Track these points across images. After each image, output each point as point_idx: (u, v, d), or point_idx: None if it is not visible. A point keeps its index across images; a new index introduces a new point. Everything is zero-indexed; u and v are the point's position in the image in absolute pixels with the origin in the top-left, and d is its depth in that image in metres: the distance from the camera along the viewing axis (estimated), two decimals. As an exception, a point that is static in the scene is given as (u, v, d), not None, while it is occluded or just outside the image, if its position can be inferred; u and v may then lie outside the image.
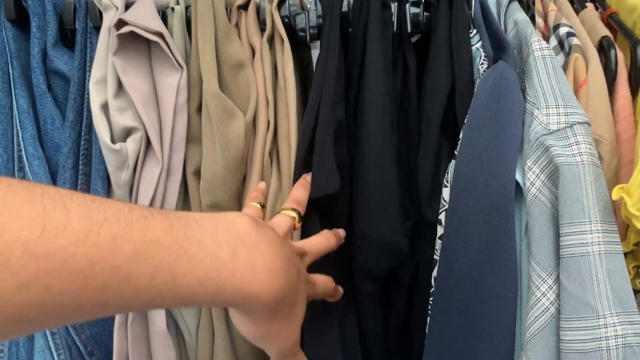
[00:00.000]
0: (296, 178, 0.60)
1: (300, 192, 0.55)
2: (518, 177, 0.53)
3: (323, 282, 0.51)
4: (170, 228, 0.29)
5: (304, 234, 0.56)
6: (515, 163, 0.53)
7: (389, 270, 0.65)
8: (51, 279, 0.24)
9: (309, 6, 0.74)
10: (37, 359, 0.73)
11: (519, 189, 0.53)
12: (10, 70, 0.67)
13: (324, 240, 0.52)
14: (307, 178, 0.57)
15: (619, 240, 0.50)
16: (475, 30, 0.64)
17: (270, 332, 0.38)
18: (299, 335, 0.41)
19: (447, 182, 0.58)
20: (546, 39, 0.62)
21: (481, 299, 0.53)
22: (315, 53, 0.79)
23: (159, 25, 0.63)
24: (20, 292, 0.24)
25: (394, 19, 0.67)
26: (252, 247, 0.33)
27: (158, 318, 0.67)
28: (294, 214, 0.50)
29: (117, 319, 0.67)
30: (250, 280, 0.32)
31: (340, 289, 0.54)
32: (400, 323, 0.70)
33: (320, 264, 0.52)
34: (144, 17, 0.63)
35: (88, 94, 0.67)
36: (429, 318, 0.59)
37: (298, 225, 0.51)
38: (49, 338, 0.71)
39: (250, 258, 0.33)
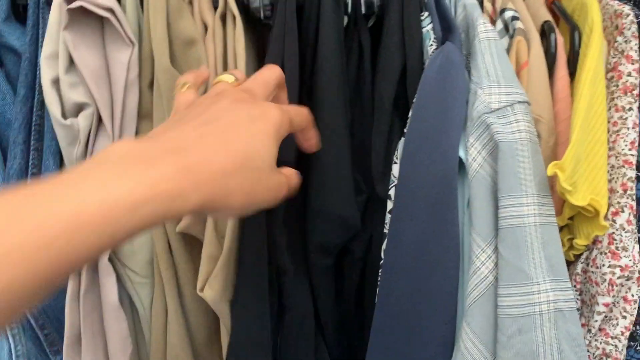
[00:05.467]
0: None
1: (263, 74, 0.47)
2: (461, 153, 0.55)
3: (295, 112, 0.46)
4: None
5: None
6: (458, 140, 0.55)
7: (341, 244, 0.67)
8: None
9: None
10: (-11, 335, 0.73)
11: (462, 164, 0.56)
12: (-42, 45, 0.66)
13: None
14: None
15: (554, 213, 0.53)
16: (427, 13, 0.66)
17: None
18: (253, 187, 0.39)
19: (397, 158, 0.60)
20: (494, 22, 0.65)
21: (426, 268, 0.55)
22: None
23: (109, 1, 0.62)
24: None
25: (349, 0, 0.68)
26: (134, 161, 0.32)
27: (110, 291, 0.67)
28: (229, 79, 0.45)
29: (69, 293, 0.67)
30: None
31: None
32: (354, 296, 0.73)
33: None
34: (95, -8, 0.62)
35: (40, 69, 0.66)
36: (378, 288, 0.61)
37: (237, 84, 0.45)
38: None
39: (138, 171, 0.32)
